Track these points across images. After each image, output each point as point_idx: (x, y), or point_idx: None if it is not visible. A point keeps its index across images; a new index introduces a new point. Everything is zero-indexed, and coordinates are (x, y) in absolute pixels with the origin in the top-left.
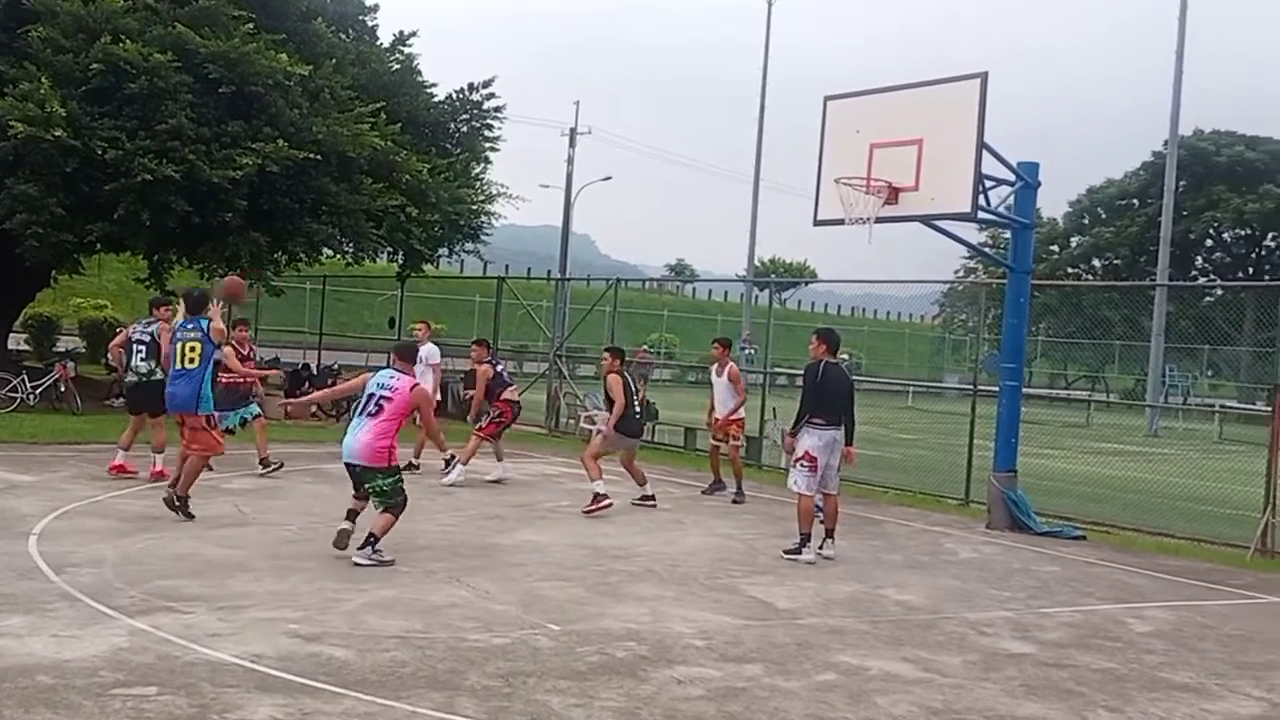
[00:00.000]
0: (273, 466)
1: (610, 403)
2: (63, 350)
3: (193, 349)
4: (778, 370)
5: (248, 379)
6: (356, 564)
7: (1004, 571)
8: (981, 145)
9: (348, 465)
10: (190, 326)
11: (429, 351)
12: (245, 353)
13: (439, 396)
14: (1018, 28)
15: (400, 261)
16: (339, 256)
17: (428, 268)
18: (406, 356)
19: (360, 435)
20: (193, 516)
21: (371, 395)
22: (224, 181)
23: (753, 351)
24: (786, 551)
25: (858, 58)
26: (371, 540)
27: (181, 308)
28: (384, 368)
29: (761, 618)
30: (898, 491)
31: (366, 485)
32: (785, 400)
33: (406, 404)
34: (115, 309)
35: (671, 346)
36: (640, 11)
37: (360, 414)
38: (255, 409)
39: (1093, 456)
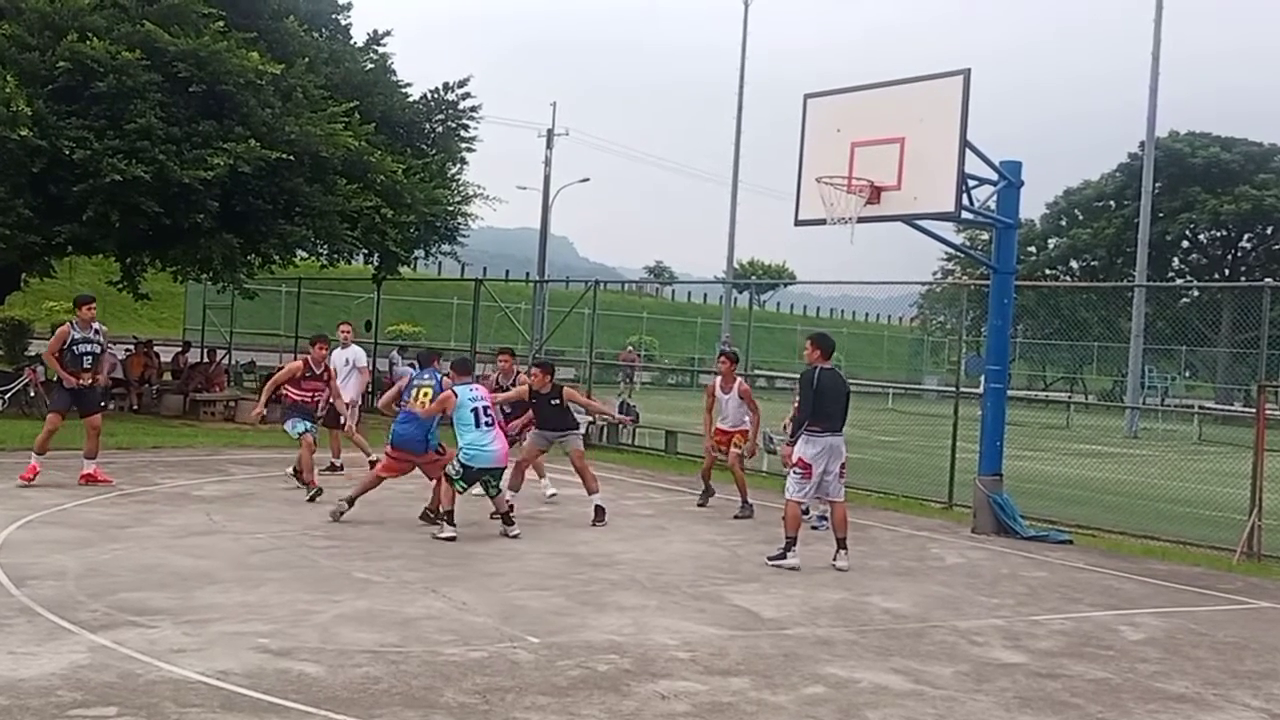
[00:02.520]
0: (309, 488)
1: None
2: (34, 354)
3: (425, 393)
4: (758, 372)
5: (313, 400)
6: (513, 535)
7: (992, 578)
8: (964, 144)
9: (484, 469)
10: (426, 376)
11: (355, 354)
12: (318, 371)
13: (359, 400)
14: (993, 30)
15: (376, 263)
16: (313, 258)
17: (404, 270)
18: (464, 370)
19: (498, 444)
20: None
21: (477, 410)
22: (195, 182)
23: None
24: (771, 558)
25: (838, 61)
26: (508, 515)
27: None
28: (462, 384)
29: (747, 628)
30: (881, 495)
31: (494, 483)
32: (765, 402)
33: (494, 399)
34: None
35: (651, 349)
36: (619, 12)
37: (483, 426)
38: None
39: (1074, 458)
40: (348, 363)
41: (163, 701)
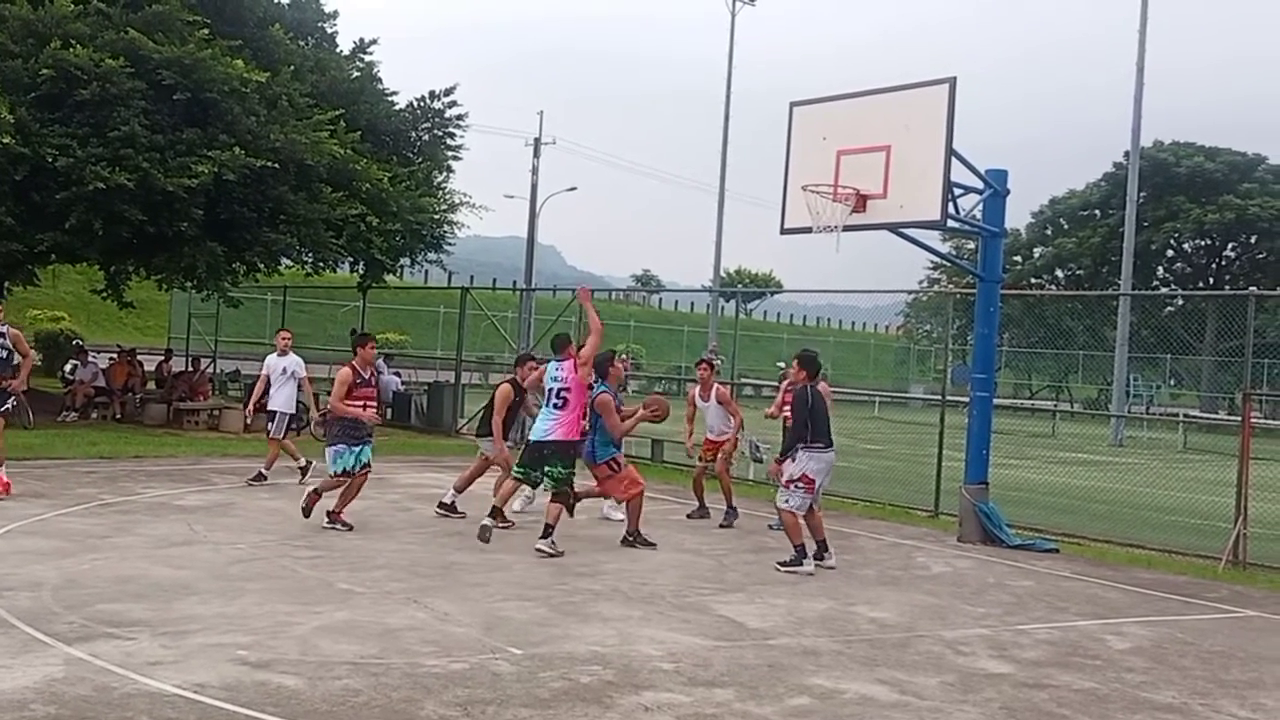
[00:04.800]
0: (344, 528)
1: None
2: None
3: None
4: (744, 380)
5: (366, 411)
6: (538, 550)
7: (978, 587)
8: (950, 152)
9: (538, 444)
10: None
11: (293, 363)
12: (366, 377)
13: (291, 410)
14: (979, 41)
15: (361, 272)
16: (298, 266)
17: (390, 278)
18: (561, 346)
19: (553, 424)
20: (654, 545)
21: (551, 390)
22: (179, 190)
23: (719, 362)
24: (783, 565)
25: (826, 71)
26: (548, 530)
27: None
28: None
29: (732, 638)
30: (867, 504)
31: (547, 469)
32: (750, 409)
33: (580, 385)
34: (72, 321)
35: (638, 357)
36: (605, 22)
37: (549, 406)
38: (369, 454)
39: (1059, 466)
40: (285, 371)
41: (138, 715)
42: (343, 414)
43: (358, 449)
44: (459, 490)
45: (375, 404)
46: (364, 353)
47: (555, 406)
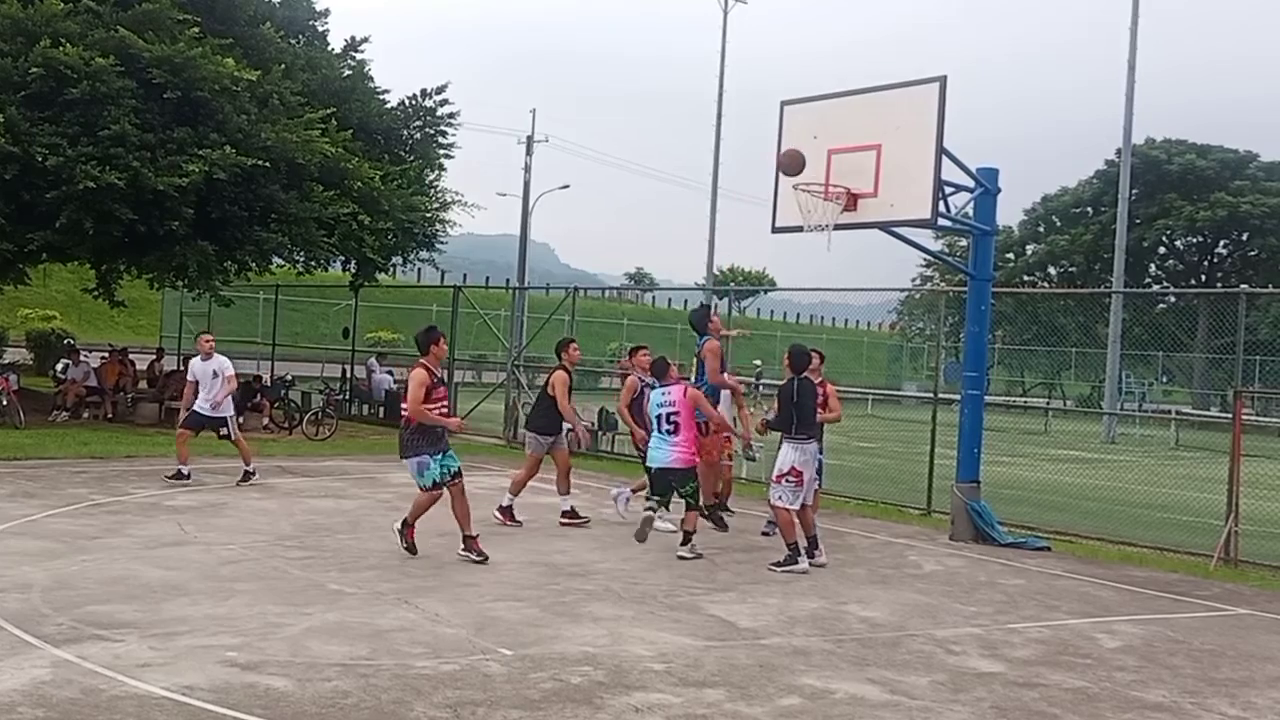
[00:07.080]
0: (479, 557)
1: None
2: (8, 363)
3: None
4: (737, 378)
5: (445, 415)
6: (680, 557)
7: (970, 585)
8: (941, 150)
9: (662, 472)
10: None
11: (221, 364)
12: (440, 376)
13: (232, 411)
14: (972, 42)
15: (353, 270)
16: (290, 266)
17: (382, 277)
18: (660, 371)
19: (669, 450)
20: (726, 528)
21: (660, 416)
22: (170, 189)
23: None
24: (777, 565)
25: (819, 70)
26: (688, 535)
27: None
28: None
29: (723, 638)
30: (859, 502)
31: (678, 489)
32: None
33: (689, 407)
34: (64, 320)
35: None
36: (600, 21)
37: (659, 432)
38: (456, 462)
39: (1052, 464)
40: (215, 375)
41: (125, 718)
42: (427, 420)
43: (441, 457)
44: (564, 493)
45: (448, 405)
46: (436, 349)
47: (668, 433)
